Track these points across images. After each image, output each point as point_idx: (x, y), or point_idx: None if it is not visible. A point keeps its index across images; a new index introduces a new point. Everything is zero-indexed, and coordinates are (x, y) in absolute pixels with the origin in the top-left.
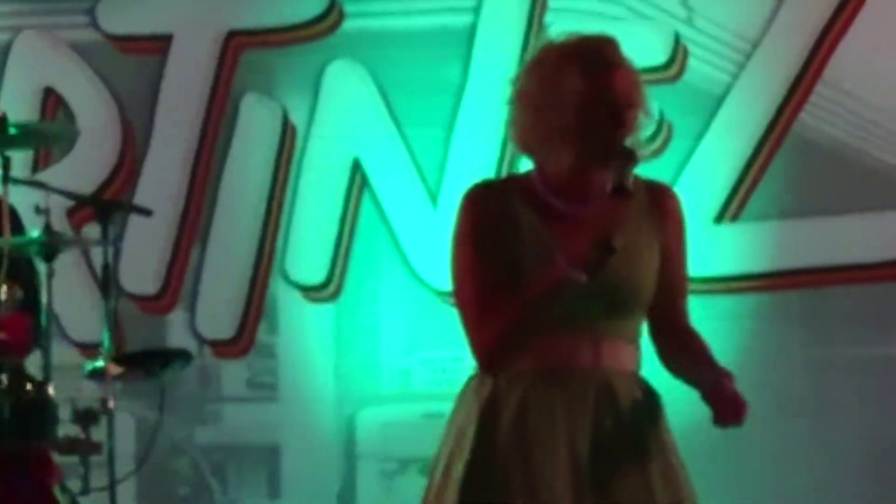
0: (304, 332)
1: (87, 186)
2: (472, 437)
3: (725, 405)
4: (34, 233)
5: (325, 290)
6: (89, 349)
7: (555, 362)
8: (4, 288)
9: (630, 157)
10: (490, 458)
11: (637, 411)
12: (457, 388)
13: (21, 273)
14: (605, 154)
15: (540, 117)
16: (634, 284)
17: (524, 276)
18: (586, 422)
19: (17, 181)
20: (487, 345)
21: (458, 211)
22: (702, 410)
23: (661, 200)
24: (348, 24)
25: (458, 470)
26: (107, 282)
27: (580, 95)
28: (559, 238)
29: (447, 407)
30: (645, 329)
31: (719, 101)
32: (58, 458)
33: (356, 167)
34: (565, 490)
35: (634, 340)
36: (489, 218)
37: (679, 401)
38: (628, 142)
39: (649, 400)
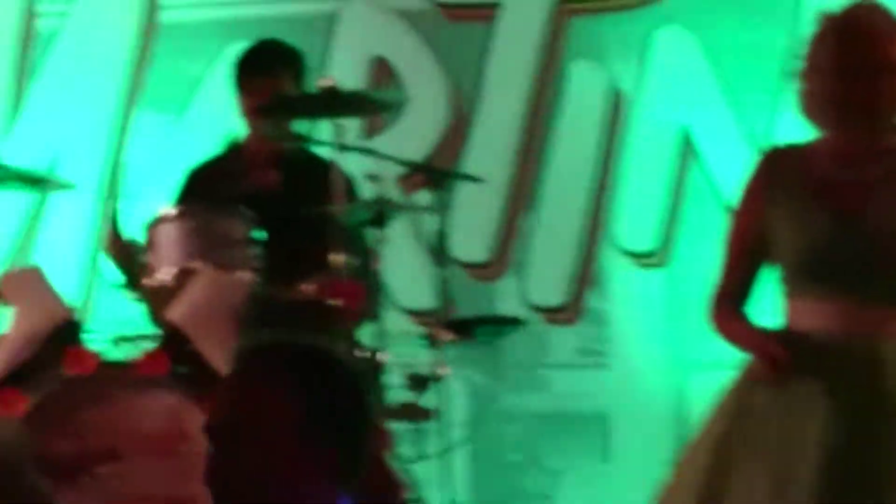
0: (634, 298)
1: (416, 153)
2: (734, 400)
3: None
4: (366, 200)
5: (654, 257)
6: (421, 316)
7: (813, 326)
8: (339, 256)
9: None
10: (747, 417)
11: None
12: None
13: (354, 240)
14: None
15: (808, 86)
16: (890, 246)
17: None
18: (845, 389)
19: (350, 148)
20: (712, 323)
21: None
22: None
23: None
24: None
25: (716, 428)
26: (438, 249)
27: (833, 63)
28: (823, 208)
29: None
30: None
31: None
32: (391, 424)
33: (684, 133)
34: (814, 452)
35: None
36: (764, 189)
37: None
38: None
39: None
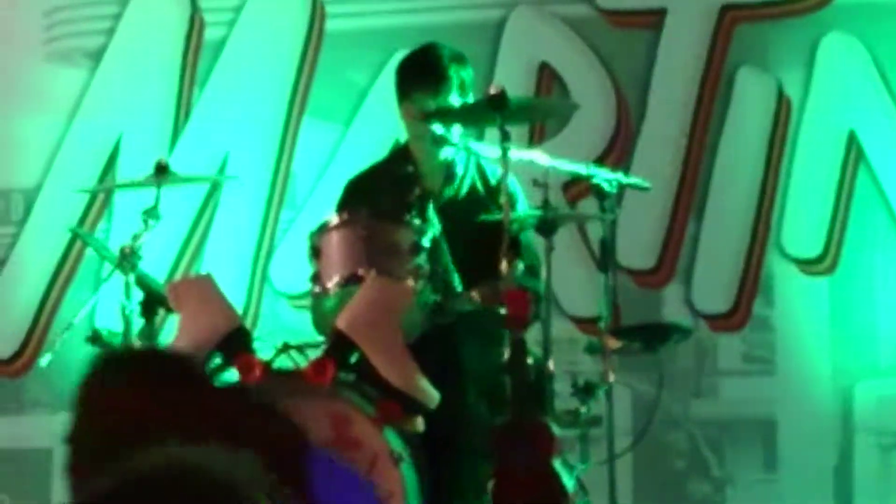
0: (800, 305)
1: (582, 161)
2: None
3: None
4: (532, 208)
5: (821, 264)
6: (586, 323)
7: None
8: (505, 263)
9: None
10: None
11: None
12: None
13: (522, 248)
14: None
15: None
16: None
17: None
18: None
19: (516, 156)
20: None
21: None
22: None
23: None
24: None
25: None
26: (605, 256)
27: None
28: None
29: None
30: None
31: None
32: (557, 431)
33: (851, 140)
34: None
35: None
36: None
37: None
38: None
39: None
